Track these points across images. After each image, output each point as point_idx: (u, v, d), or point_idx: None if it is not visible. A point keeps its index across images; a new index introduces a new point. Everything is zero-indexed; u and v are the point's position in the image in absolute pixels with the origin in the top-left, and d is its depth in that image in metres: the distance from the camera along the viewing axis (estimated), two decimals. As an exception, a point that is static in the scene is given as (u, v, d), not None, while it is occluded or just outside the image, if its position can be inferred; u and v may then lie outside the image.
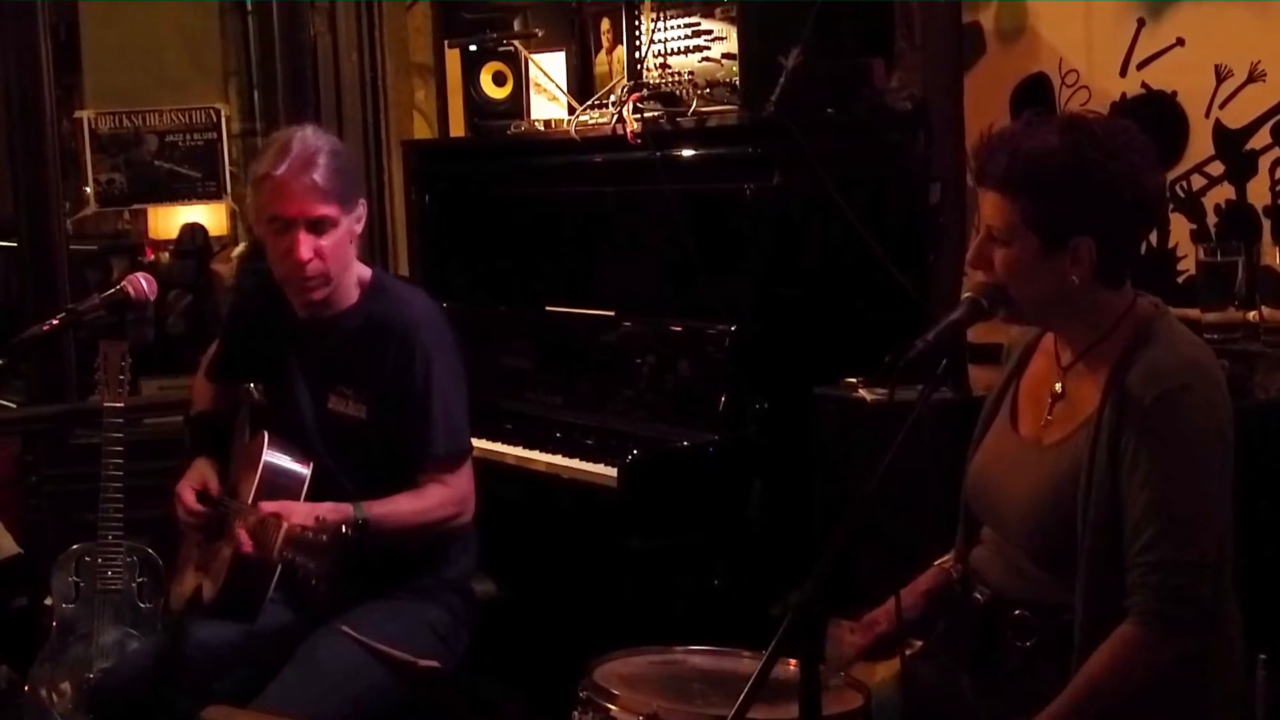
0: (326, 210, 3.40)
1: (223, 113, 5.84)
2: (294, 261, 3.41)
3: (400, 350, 3.48)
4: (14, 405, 5.72)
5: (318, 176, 3.38)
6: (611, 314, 4.48)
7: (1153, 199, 2.73)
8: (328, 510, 3.28)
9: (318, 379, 3.57)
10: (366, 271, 3.62)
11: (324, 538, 3.14)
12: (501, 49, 5.11)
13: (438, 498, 3.46)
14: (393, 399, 3.48)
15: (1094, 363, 2.73)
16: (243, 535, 3.27)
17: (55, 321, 3.44)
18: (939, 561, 3.03)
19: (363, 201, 3.54)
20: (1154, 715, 2.62)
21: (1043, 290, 2.70)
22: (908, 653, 2.88)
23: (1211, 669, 2.66)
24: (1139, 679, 2.57)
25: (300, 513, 3.25)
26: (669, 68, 4.42)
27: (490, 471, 3.66)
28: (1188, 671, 2.61)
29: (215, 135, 5.79)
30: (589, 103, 4.68)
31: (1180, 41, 3.72)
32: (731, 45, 4.24)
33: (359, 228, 3.52)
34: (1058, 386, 2.80)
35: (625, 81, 4.55)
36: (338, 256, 3.45)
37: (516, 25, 5.26)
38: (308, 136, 3.45)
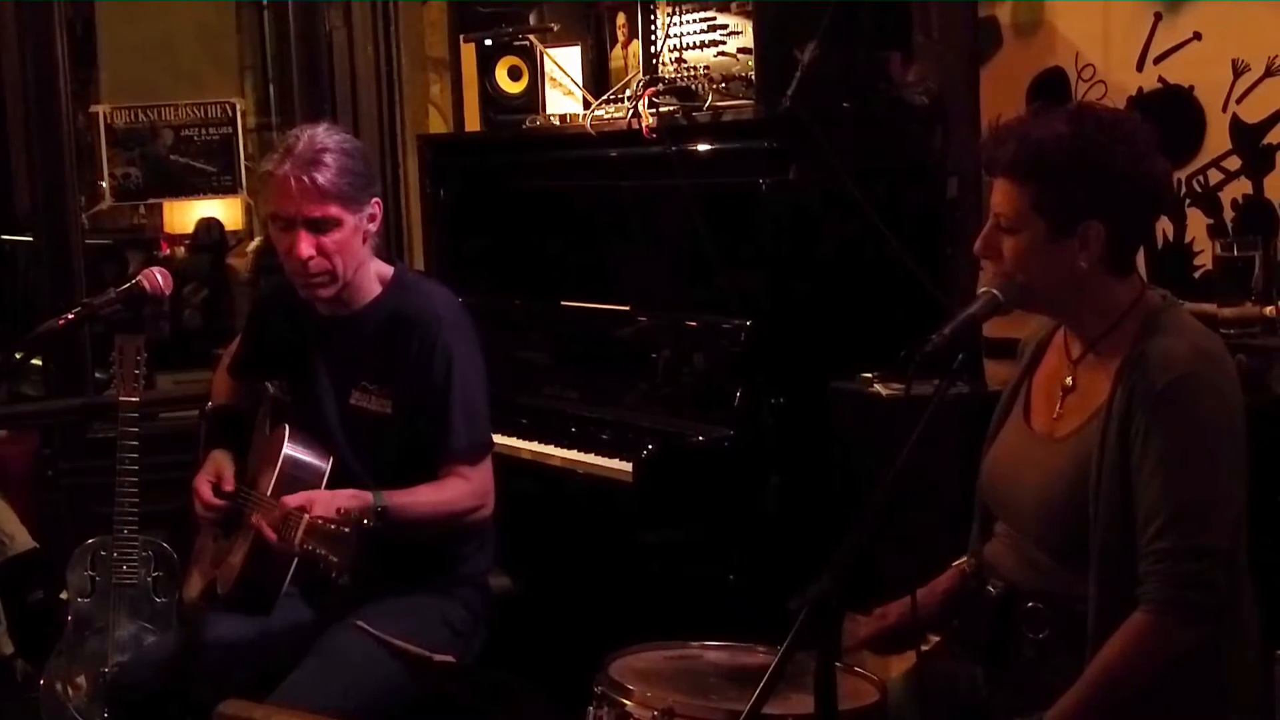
0: (327, 210, 3.40)
1: (238, 107, 5.85)
2: (296, 259, 3.42)
3: (422, 345, 3.48)
4: (31, 399, 5.74)
5: (319, 176, 3.37)
6: (627, 308, 4.48)
7: (1159, 184, 2.74)
8: (348, 500, 3.29)
9: (340, 375, 3.57)
10: (388, 269, 3.62)
11: (345, 529, 3.14)
12: (517, 43, 5.10)
13: (457, 490, 3.46)
14: (415, 393, 3.48)
15: (1104, 354, 2.73)
16: (264, 525, 3.27)
17: (71, 315, 3.44)
18: (957, 563, 3.03)
19: (376, 200, 3.52)
20: (1168, 707, 2.61)
21: (1051, 277, 2.70)
22: (924, 648, 2.88)
23: (1226, 660, 2.66)
24: (1152, 667, 2.56)
25: (321, 503, 3.26)
26: (685, 62, 4.41)
27: (506, 466, 3.66)
28: (1201, 662, 2.61)
29: (231, 130, 5.79)
30: (604, 97, 4.69)
31: (1197, 36, 3.72)
32: (747, 39, 4.24)
33: (372, 227, 3.51)
34: (1068, 379, 2.80)
35: (641, 76, 4.54)
36: (344, 255, 3.44)
37: (532, 19, 5.27)
38: (317, 135, 3.44)
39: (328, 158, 3.39)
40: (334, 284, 3.47)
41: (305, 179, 3.37)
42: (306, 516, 3.19)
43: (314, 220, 3.40)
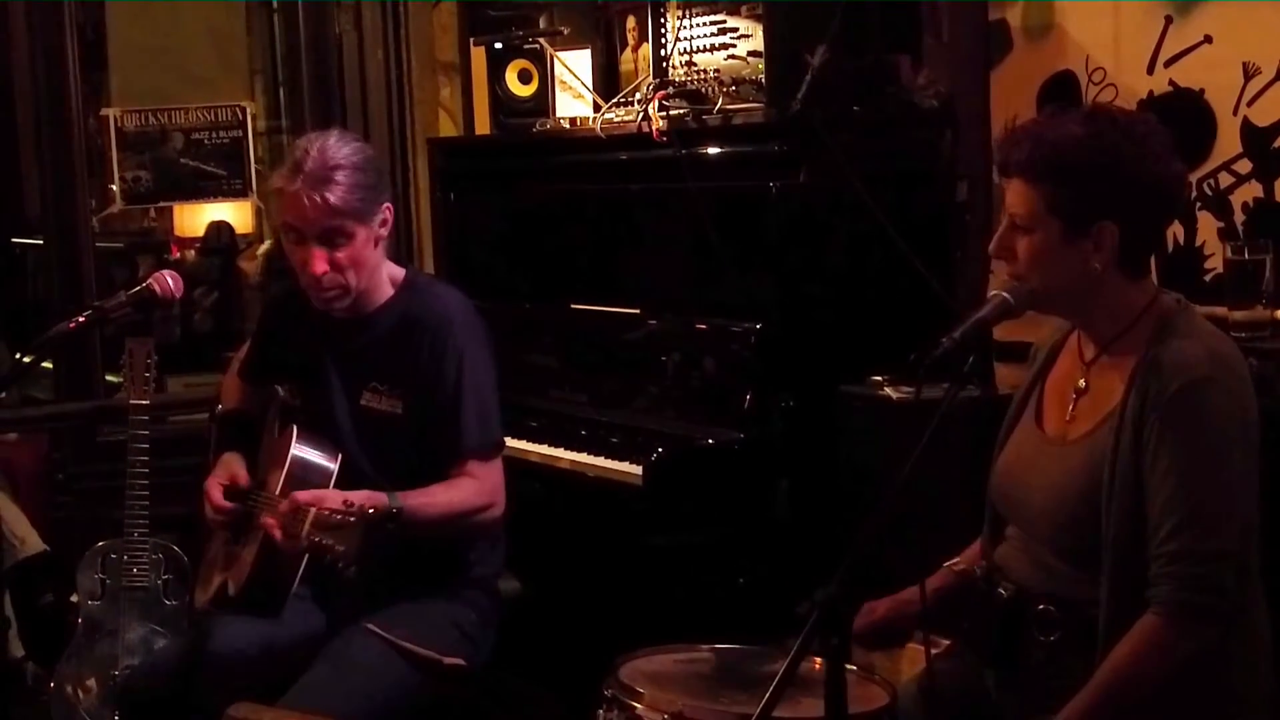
0: (340, 225, 3.38)
1: (249, 111, 5.85)
2: (310, 275, 3.41)
3: (434, 345, 3.48)
4: (41, 402, 5.75)
5: (331, 195, 3.35)
6: (636, 312, 4.48)
7: (1174, 185, 2.75)
8: (360, 496, 3.28)
9: (351, 376, 3.57)
10: (399, 270, 3.61)
11: (352, 519, 3.15)
12: (527, 47, 5.11)
13: (469, 489, 3.45)
14: (426, 393, 3.48)
15: (1117, 357, 2.74)
16: (271, 522, 3.27)
17: (82, 319, 3.44)
18: (949, 563, 3.04)
19: (386, 206, 3.50)
20: (1178, 711, 2.61)
21: (1065, 278, 2.70)
22: (934, 651, 2.88)
23: (1236, 664, 2.66)
24: (1162, 670, 2.56)
25: (331, 499, 3.26)
26: (694, 65, 4.42)
27: (515, 469, 3.66)
28: (1212, 666, 2.61)
29: (241, 133, 5.79)
30: (614, 100, 4.69)
31: (1208, 39, 3.71)
32: (757, 43, 4.24)
33: (383, 231, 3.50)
34: (1081, 382, 2.81)
35: (650, 79, 4.55)
36: (357, 267, 3.43)
37: (542, 23, 5.28)
38: (328, 149, 3.40)
39: (340, 175, 3.36)
40: (348, 296, 3.47)
41: (318, 198, 3.35)
42: (314, 510, 3.19)
43: (327, 236, 3.40)
